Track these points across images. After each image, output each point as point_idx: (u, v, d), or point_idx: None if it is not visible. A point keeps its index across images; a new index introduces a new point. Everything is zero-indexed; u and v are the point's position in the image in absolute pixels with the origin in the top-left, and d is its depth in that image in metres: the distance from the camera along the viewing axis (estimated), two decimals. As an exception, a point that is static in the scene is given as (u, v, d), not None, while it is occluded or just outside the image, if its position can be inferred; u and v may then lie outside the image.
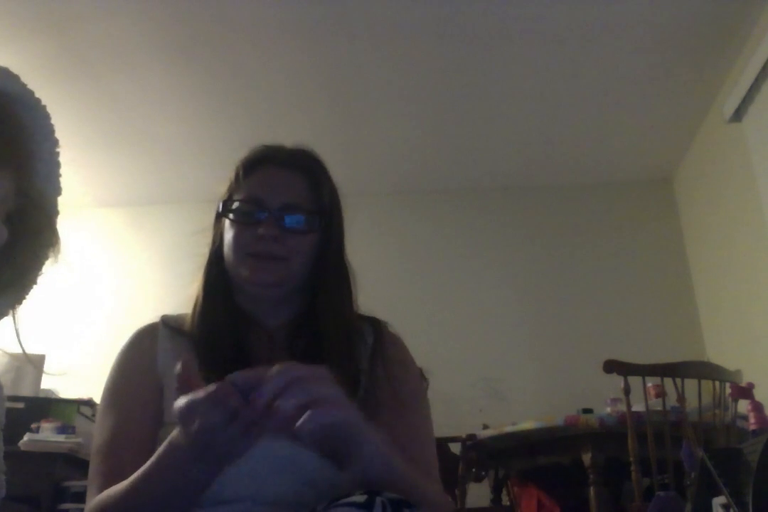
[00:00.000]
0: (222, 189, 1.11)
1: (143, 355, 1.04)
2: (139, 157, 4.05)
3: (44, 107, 0.77)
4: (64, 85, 3.37)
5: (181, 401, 0.70)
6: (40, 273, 0.79)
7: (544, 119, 3.77)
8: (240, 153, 1.12)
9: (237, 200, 1.08)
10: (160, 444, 0.94)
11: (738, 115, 3.21)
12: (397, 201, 4.41)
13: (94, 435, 1.00)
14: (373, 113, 3.73)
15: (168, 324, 1.08)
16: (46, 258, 0.79)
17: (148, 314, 1.11)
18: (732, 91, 3.21)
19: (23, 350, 0.77)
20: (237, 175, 1.10)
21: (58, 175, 0.80)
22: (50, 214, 0.79)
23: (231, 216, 1.07)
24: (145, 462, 0.94)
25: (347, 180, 1.13)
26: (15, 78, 0.74)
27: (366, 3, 2.94)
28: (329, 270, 1.07)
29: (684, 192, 4.23)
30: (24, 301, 0.79)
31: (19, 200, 0.73)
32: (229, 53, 3.24)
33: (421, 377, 1.08)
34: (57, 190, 0.80)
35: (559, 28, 3.09)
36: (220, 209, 1.09)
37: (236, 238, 1.05)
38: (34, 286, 0.79)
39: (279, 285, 1.05)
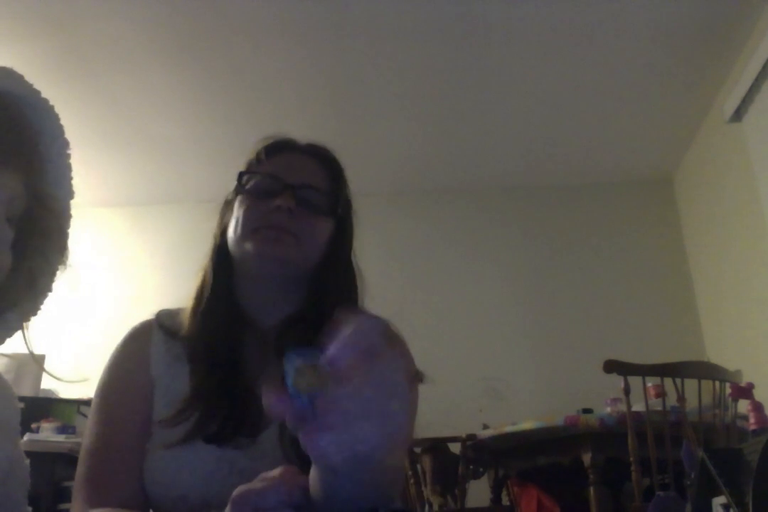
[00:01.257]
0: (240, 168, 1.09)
1: (135, 358, 1.02)
2: (139, 157, 4.05)
3: (52, 108, 0.74)
4: (64, 85, 3.37)
5: (240, 488, 0.67)
6: (53, 279, 0.76)
7: (544, 119, 3.77)
8: (240, 153, 1.11)
9: (256, 173, 1.05)
10: (148, 452, 0.94)
11: (738, 115, 3.21)
12: (396, 201, 4.41)
13: (84, 434, 0.99)
14: (374, 113, 3.73)
15: (162, 325, 1.05)
16: (60, 263, 0.76)
17: (148, 314, 1.10)
18: (732, 91, 3.21)
19: (32, 354, 0.75)
20: (258, 156, 1.08)
21: (70, 178, 0.77)
22: (61, 217, 0.76)
23: (247, 188, 1.04)
24: (130, 469, 0.93)
25: (348, 180, 1.12)
26: (19, 78, 0.72)
27: (366, 3, 2.94)
28: (336, 270, 1.04)
29: (684, 192, 4.23)
30: (38, 311, 0.75)
31: (28, 203, 0.71)
32: (229, 53, 3.24)
33: (415, 376, 1.04)
34: (68, 194, 0.77)
35: (559, 28, 3.09)
36: (237, 181, 1.06)
37: (248, 211, 1.01)
38: (49, 294, 0.76)
39: (286, 261, 0.98)
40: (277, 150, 1.09)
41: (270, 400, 0.50)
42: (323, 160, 1.09)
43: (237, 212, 1.03)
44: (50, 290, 0.76)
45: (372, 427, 0.51)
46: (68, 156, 0.77)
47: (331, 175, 1.08)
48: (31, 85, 0.73)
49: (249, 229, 1.00)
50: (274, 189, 1.02)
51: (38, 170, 0.73)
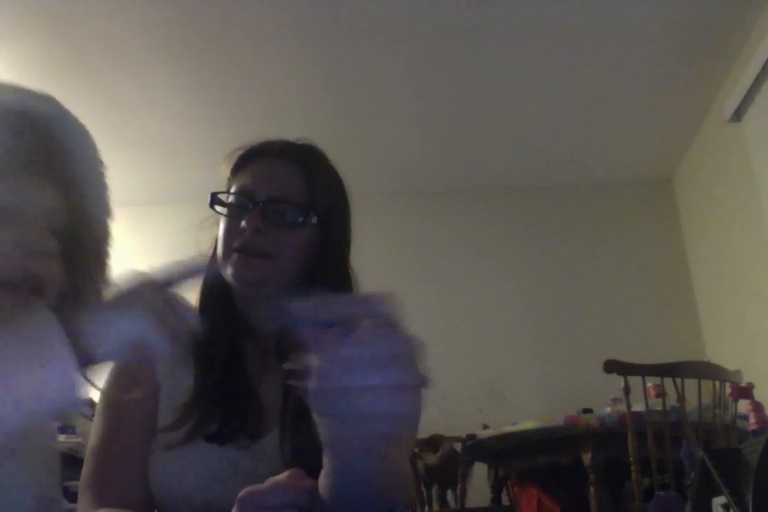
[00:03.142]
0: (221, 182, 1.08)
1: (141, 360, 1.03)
2: (139, 157, 4.05)
3: (83, 128, 0.77)
4: (64, 84, 3.37)
5: (247, 488, 0.68)
6: (99, 296, 0.77)
7: (544, 119, 3.77)
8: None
9: (226, 192, 1.04)
10: (152, 452, 0.95)
11: (738, 115, 3.21)
12: (398, 201, 4.41)
13: (90, 435, 1.00)
14: (375, 113, 3.73)
15: None
16: (102, 282, 0.77)
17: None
18: (732, 91, 3.21)
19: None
20: (231, 167, 1.07)
21: (107, 197, 0.80)
22: (101, 235, 0.78)
23: (218, 209, 1.03)
24: (135, 470, 0.93)
25: (349, 180, 1.11)
26: (52, 100, 0.76)
27: (368, 3, 2.94)
28: (326, 275, 1.01)
29: (684, 192, 4.23)
30: None
31: (70, 219, 0.73)
32: (230, 53, 3.24)
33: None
34: (107, 213, 0.80)
35: (559, 28, 3.09)
36: (209, 201, 1.04)
37: (224, 232, 1.01)
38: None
39: (263, 284, 0.98)
40: (250, 158, 1.06)
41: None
42: (299, 162, 1.04)
43: (219, 231, 1.03)
44: None
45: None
46: (104, 175, 0.80)
47: (306, 176, 1.03)
48: (62, 107, 0.77)
49: (225, 252, 1.00)
50: (244, 206, 1.00)
51: (77, 188, 0.75)
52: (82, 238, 0.75)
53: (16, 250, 0.66)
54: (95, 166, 0.78)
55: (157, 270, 0.67)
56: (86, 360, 0.67)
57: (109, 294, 0.55)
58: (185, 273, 0.73)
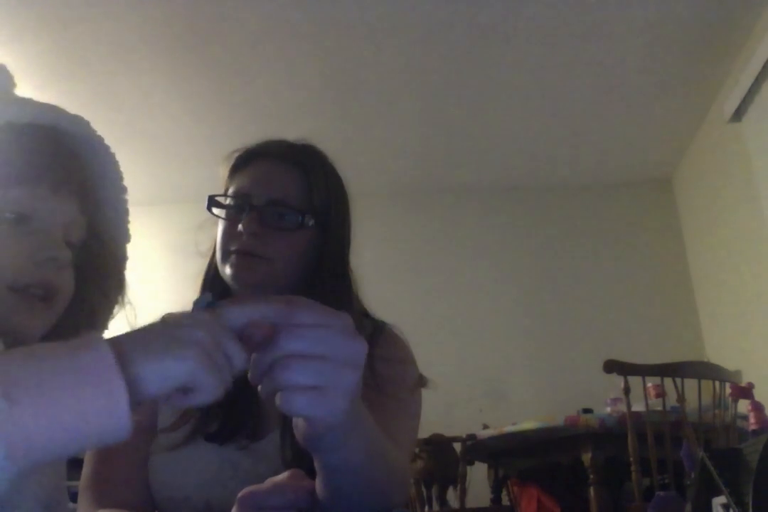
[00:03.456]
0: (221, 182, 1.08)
1: None
2: (139, 157, 4.05)
3: (112, 154, 0.81)
4: (64, 85, 3.37)
5: (247, 489, 0.68)
6: (111, 317, 0.78)
7: (543, 119, 3.77)
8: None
9: (225, 195, 1.04)
10: (152, 453, 0.95)
11: (738, 115, 3.21)
12: (396, 201, 4.41)
13: None
14: (375, 113, 3.73)
15: None
16: (116, 302, 0.78)
17: (148, 315, 1.10)
18: (732, 91, 3.21)
19: None
20: (229, 168, 1.06)
21: (127, 222, 0.82)
22: (119, 258, 0.80)
23: (216, 211, 1.03)
24: (136, 470, 0.93)
25: (349, 180, 1.11)
26: (85, 124, 0.79)
27: (367, 2, 2.94)
28: (325, 276, 1.00)
29: (684, 192, 4.23)
30: None
31: (87, 237, 0.75)
32: (230, 53, 3.24)
33: (419, 380, 1.02)
34: (125, 237, 0.82)
35: (559, 28, 3.09)
36: (207, 203, 1.03)
37: (222, 234, 1.01)
38: (105, 331, 0.77)
39: (261, 286, 0.97)
40: (249, 160, 1.05)
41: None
42: (297, 164, 1.04)
43: (218, 233, 1.03)
44: (107, 328, 0.78)
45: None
46: (126, 201, 0.81)
47: (305, 179, 1.03)
48: (95, 131, 0.80)
49: (223, 253, 1.00)
50: (242, 209, 1.00)
51: (96, 208, 0.77)
52: (99, 257, 0.77)
53: (31, 257, 0.68)
54: (118, 191, 0.81)
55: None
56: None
57: (161, 324, 0.52)
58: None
